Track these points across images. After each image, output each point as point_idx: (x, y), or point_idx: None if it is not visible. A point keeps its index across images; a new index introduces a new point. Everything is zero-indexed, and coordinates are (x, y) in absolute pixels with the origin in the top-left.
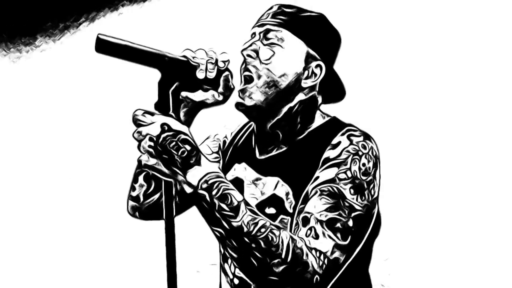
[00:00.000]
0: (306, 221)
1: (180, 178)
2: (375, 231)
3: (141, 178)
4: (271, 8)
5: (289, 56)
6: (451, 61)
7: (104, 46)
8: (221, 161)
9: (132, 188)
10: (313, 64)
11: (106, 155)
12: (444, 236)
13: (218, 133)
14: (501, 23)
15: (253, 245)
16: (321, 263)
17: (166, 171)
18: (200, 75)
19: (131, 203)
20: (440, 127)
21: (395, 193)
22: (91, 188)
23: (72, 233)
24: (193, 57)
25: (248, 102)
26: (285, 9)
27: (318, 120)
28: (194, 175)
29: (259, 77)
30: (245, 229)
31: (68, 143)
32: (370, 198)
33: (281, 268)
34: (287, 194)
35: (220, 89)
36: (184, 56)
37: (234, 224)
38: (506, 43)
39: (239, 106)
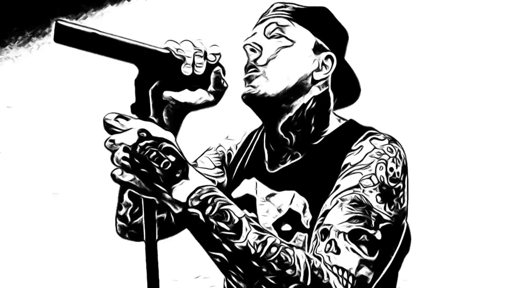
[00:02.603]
0: (325, 234)
1: (165, 195)
2: (405, 246)
3: (126, 196)
4: (271, 6)
5: (296, 47)
6: (475, 62)
7: (65, 35)
8: (225, 176)
9: (119, 207)
10: (323, 55)
11: (93, 166)
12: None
13: (221, 144)
14: None
15: (264, 269)
16: (345, 282)
17: (146, 188)
18: (186, 70)
19: (119, 223)
20: (473, 132)
21: (422, 203)
22: (75, 204)
23: (53, 253)
24: (178, 50)
25: (257, 91)
26: (287, 4)
27: (334, 124)
28: (181, 191)
29: (267, 71)
30: (252, 251)
31: (51, 150)
32: (399, 207)
33: None
34: (304, 208)
35: (211, 88)
36: (167, 48)
37: (238, 246)
38: None
39: (247, 97)
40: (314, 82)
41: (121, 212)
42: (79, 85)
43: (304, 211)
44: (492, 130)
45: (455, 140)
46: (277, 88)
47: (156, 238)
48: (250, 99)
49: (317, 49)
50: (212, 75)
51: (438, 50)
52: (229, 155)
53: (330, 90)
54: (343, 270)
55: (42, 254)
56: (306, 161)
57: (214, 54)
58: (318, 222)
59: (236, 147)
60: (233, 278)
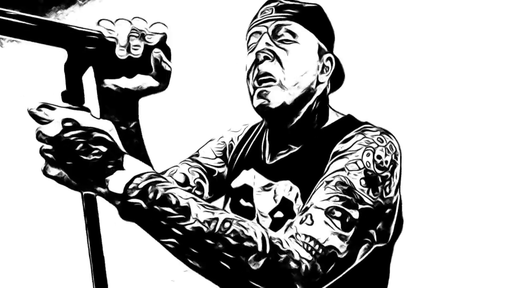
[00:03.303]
0: (304, 209)
1: (99, 189)
2: (395, 236)
3: None
4: (268, 3)
5: (305, 52)
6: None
7: None
8: (226, 167)
9: None
10: (324, 57)
11: None
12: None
13: (223, 135)
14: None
15: (220, 246)
16: (310, 248)
17: (74, 182)
18: (120, 54)
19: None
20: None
21: (416, 200)
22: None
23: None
24: (109, 31)
25: (275, 104)
26: (287, 2)
27: (332, 118)
28: (117, 182)
29: (282, 78)
30: (205, 229)
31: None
32: (385, 196)
33: (261, 262)
34: (296, 196)
35: (154, 72)
36: (99, 31)
37: (189, 227)
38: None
39: (262, 108)
40: (318, 84)
41: None
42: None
43: (296, 199)
44: (488, 127)
45: (453, 137)
46: (291, 97)
47: (101, 234)
48: (266, 112)
49: (320, 52)
50: (152, 58)
51: (434, 46)
52: (231, 146)
53: (327, 87)
54: (311, 238)
55: (35, 242)
56: (301, 153)
57: (154, 34)
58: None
59: (238, 138)
60: (189, 260)
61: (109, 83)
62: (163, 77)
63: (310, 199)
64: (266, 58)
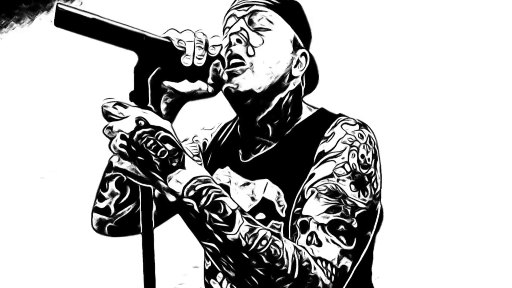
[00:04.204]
0: (305, 226)
1: (161, 184)
2: (378, 225)
3: (112, 185)
4: None
5: (280, 41)
6: (450, 52)
7: (66, 20)
8: (203, 166)
9: (99, 198)
10: (299, 52)
11: (71, 156)
12: (446, 238)
13: (197, 134)
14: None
15: (254, 262)
16: (329, 274)
17: (143, 176)
18: (186, 62)
19: (98, 216)
20: (441, 121)
21: (395, 191)
22: (52, 195)
23: (40, 236)
24: (178, 40)
25: (243, 87)
26: None
27: (306, 113)
28: (177, 180)
29: (253, 63)
30: (243, 243)
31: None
32: (373, 192)
33: (287, 286)
34: (278, 196)
35: (210, 80)
36: (168, 38)
37: (230, 237)
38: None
39: (230, 91)
40: (291, 78)
41: (103, 204)
42: (75, 71)
43: (278, 200)
44: (460, 114)
45: (427, 126)
46: (262, 84)
47: (153, 226)
48: (234, 95)
49: (295, 45)
50: (211, 68)
51: (403, 39)
52: (204, 143)
53: (301, 83)
54: (327, 262)
55: (29, 237)
56: (279, 149)
57: (214, 46)
58: (294, 212)
59: (212, 135)
60: (224, 267)
61: (167, 84)
62: (218, 85)
63: (304, 209)
64: (238, 41)
